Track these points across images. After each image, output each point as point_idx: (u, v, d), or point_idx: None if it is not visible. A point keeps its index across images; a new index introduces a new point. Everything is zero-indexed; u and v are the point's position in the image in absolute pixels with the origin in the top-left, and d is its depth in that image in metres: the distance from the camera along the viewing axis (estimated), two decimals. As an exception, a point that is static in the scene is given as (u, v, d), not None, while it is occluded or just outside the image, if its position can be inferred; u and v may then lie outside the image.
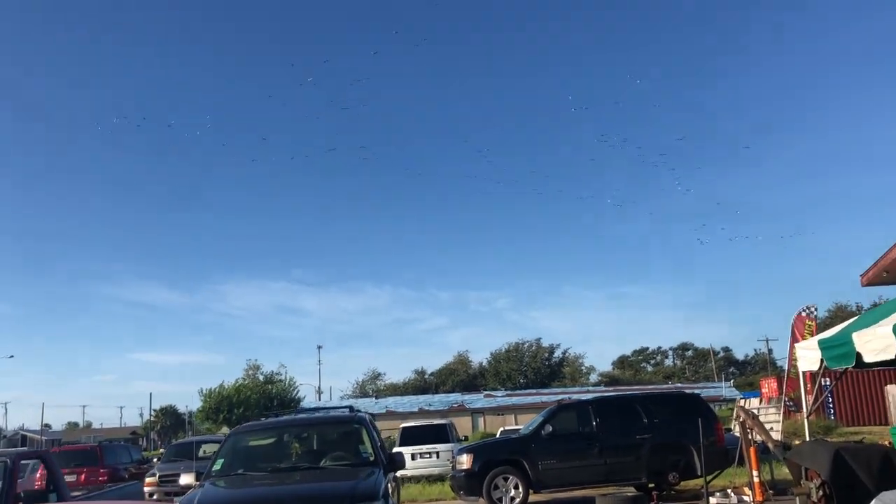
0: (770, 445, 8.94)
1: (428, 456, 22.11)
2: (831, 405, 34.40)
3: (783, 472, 15.68)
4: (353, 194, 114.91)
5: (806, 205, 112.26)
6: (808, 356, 8.91)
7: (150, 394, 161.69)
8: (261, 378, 62.27)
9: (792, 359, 24.26)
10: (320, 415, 10.28)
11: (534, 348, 79.44)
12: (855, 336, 7.78)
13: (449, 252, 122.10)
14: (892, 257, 16.20)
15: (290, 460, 8.28)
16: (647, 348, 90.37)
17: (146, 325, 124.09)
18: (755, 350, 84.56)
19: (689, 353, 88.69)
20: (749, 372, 78.06)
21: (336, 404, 37.01)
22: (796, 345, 9.18)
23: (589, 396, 21.17)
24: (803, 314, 23.97)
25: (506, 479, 14.75)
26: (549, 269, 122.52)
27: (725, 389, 58.33)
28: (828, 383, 35.36)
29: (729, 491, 14.76)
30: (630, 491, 15.15)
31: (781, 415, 24.36)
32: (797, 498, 7.20)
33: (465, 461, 15.15)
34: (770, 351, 76.03)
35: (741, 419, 9.52)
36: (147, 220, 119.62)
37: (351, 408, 9.37)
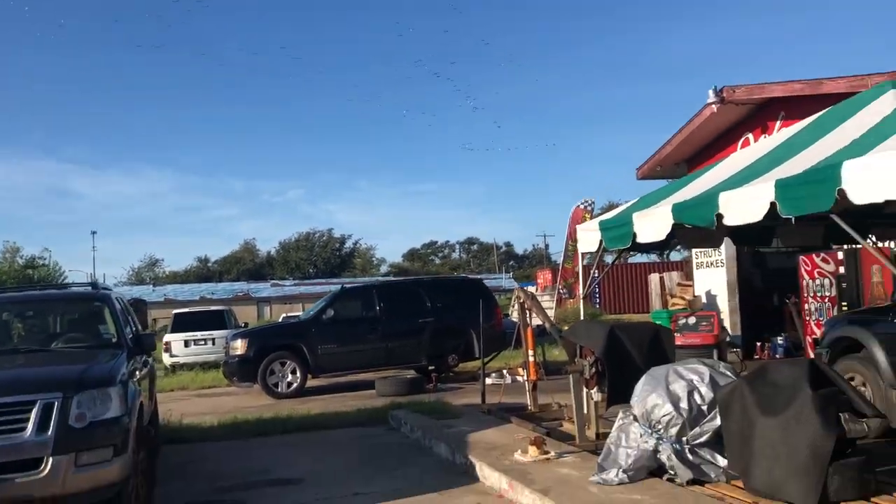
0: (547, 325, 8.90)
1: (203, 343, 20.96)
2: (598, 295, 37.10)
3: (555, 354, 16.40)
4: (126, 70, 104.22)
5: (593, 110, 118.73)
6: (588, 237, 8.86)
7: None
8: (20, 262, 56.40)
9: (567, 249, 25.40)
10: (53, 291, 8.88)
11: (325, 238, 78.76)
12: (635, 216, 7.72)
13: (241, 140, 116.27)
14: (665, 153, 16.98)
15: (12, 342, 6.98)
16: (436, 242, 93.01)
17: None
18: (534, 245, 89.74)
19: (475, 247, 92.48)
20: (527, 265, 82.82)
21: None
22: (578, 226, 9.10)
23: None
24: (581, 207, 25.01)
25: (283, 365, 14.11)
26: (346, 165, 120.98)
27: (505, 280, 61.39)
28: (597, 274, 38.08)
29: (504, 372, 15.18)
30: (410, 374, 15.13)
31: (555, 302, 25.64)
32: (570, 376, 7.11)
33: (240, 346, 14.29)
34: (547, 246, 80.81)
35: (521, 300, 9.41)
36: None
37: (94, 283, 8.09)
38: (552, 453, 6.79)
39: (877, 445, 5.22)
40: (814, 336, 12.15)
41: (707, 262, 16.77)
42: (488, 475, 6.61)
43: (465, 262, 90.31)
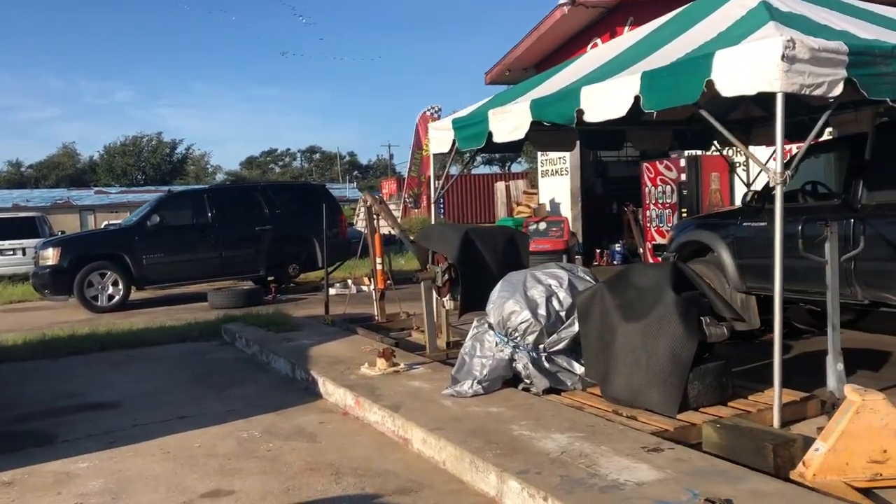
0: (396, 231, 8.35)
1: (11, 253, 18.81)
2: (442, 204, 37.08)
3: (400, 264, 16.00)
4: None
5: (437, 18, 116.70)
6: (440, 137, 8.27)
7: None
8: None
9: (414, 157, 24.86)
10: None
11: (154, 143, 73.56)
12: (491, 114, 7.20)
13: (59, 34, 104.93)
14: (514, 56, 16.57)
15: None
16: (276, 150, 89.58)
17: None
18: (378, 156, 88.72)
19: (317, 156, 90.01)
20: (371, 176, 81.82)
21: None
22: (430, 124, 8.49)
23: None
24: (427, 113, 24.41)
25: (102, 276, 12.76)
26: (179, 66, 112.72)
27: (349, 190, 60.28)
28: (437, 185, 37.98)
29: (349, 282, 14.60)
30: (247, 284, 14.23)
31: (401, 211, 25.23)
32: (421, 283, 6.61)
33: (51, 256, 12.75)
34: (391, 156, 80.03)
35: (368, 204, 8.76)
36: None
37: None
38: (401, 365, 6.32)
39: (719, 348, 5.11)
40: (654, 242, 12.41)
41: (552, 171, 16.79)
42: (332, 391, 6.06)
43: (308, 171, 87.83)
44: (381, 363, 6.26)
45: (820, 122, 4.79)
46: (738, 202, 12.17)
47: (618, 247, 16.71)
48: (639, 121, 9.39)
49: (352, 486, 4.16)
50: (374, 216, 8.76)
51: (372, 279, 8.97)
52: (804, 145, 4.72)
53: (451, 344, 7.26)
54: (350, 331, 8.43)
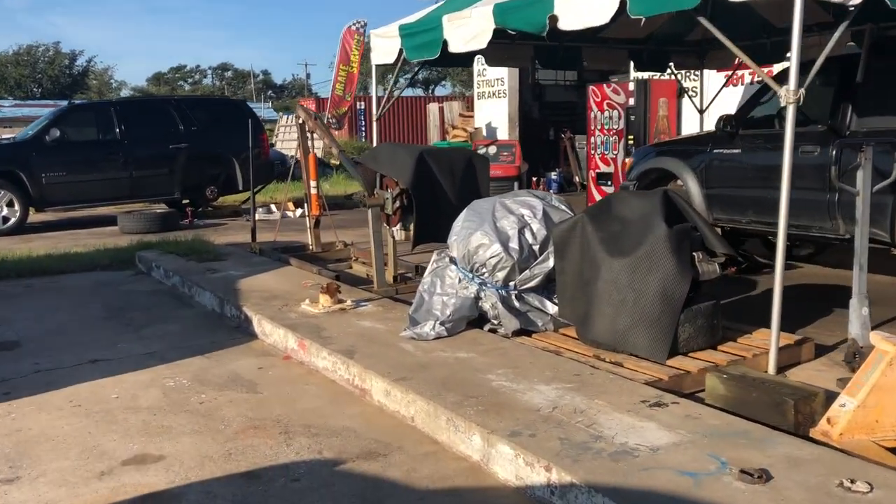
0: (335, 150, 7.53)
1: None
2: (363, 127, 35.74)
3: (325, 188, 15.09)
4: None
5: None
6: (385, 46, 7.43)
7: None
8: None
9: (339, 74, 23.62)
10: None
11: (51, 53, 68.43)
12: (446, 19, 6.42)
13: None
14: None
15: None
16: (185, 66, 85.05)
17: None
18: (293, 75, 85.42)
19: (229, 73, 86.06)
20: (286, 96, 78.87)
21: None
22: (373, 32, 7.61)
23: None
24: (353, 28, 23.08)
25: (-4, 196, 11.45)
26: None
27: (265, 110, 57.84)
28: (362, 107, 36.55)
29: (272, 207, 13.69)
30: (160, 208, 13.10)
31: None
32: (369, 210, 5.90)
33: (-67, 173, 11.33)
34: (308, 76, 77.26)
35: (301, 120, 7.89)
36: None
37: None
38: (348, 302, 5.66)
39: (706, 286, 4.66)
40: (598, 171, 11.96)
41: (489, 93, 16.05)
42: (270, 332, 5.35)
43: (219, 89, 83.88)
44: (324, 299, 5.58)
45: (837, 33, 4.24)
46: (685, 130, 11.83)
47: (554, 175, 16.26)
48: (595, 38, 8.80)
49: (306, 448, 3.53)
50: (308, 134, 7.90)
51: (306, 205, 8.16)
52: (819, 60, 4.18)
53: (399, 278, 6.62)
54: (282, 261, 7.65)
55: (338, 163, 16.55)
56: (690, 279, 4.30)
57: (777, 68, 10.69)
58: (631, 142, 11.33)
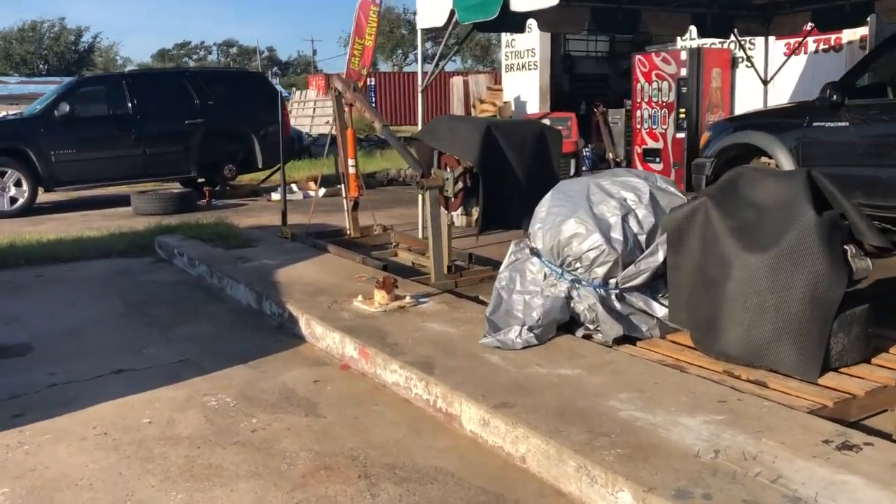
0: (378, 126, 6.74)
1: None
2: (373, 104, 34.90)
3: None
4: None
5: None
6: (432, 6, 6.61)
7: None
8: None
9: (355, 48, 22.75)
10: None
11: (56, 30, 67.37)
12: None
13: None
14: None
15: None
16: (190, 42, 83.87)
17: None
18: (298, 52, 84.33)
19: (234, 50, 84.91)
20: (291, 73, 77.78)
21: None
22: (418, -9, 6.80)
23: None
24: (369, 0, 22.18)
25: (2, 175, 10.70)
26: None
27: (273, 86, 56.82)
28: (373, 83, 35.66)
29: (293, 186, 12.90)
30: (176, 187, 12.36)
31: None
32: (427, 193, 5.12)
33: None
34: (315, 52, 76.07)
35: (336, 92, 7.09)
36: None
37: None
38: (407, 298, 4.90)
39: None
40: (645, 146, 11.13)
41: (518, 65, 15.16)
42: (322, 335, 4.60)
43: (225, 66, 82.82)
44: (380, 296, 4.82)
45: None
46: (739, 103, 10.98)
47: (587, 151, 15.41)
48: (651, 1, 7.97)
49: (396, 500, 2.79)
50: (346, 107, 7.11)
51: (343, 185, 7.37)
52: None
53: (453, 268, 5.85)
54: (319, 248, 6.90)
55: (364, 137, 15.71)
56: (846, 279, 3.53)
57: (847, 35, 9.90)
58: (682, 115, 10.48)
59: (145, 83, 12.29)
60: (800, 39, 9.02)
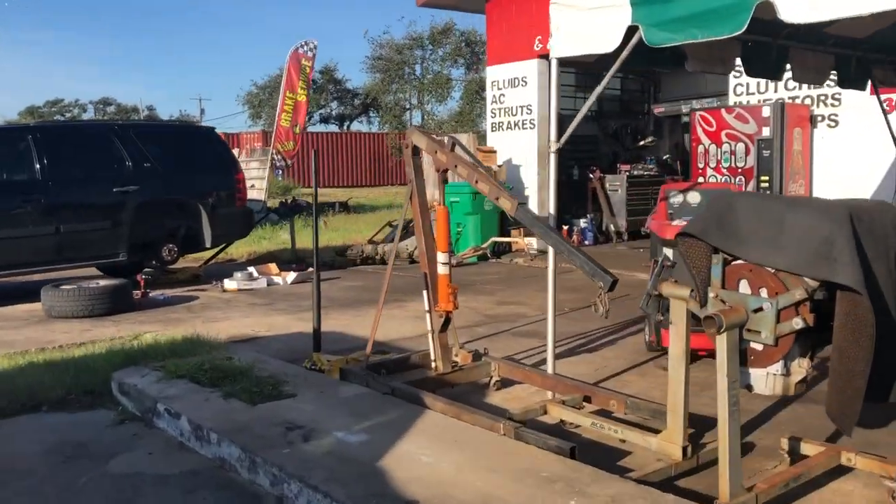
0: (505, 202, 4.29)
1: None
2: (287, 165, 31.94)
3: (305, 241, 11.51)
4: None
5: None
6: (590, 23, 4.29)
7: None
8: None
9: (285, 104, 20.19)
10: None
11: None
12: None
13: None
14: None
15: None
16: (63, 100, 78.23)
17: None
18: (181, 111, 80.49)
19: (112, 108, 79.96)
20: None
21: None
22: (552, 4, 4.44)
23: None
24: (301, 51, 19.83)
25: None
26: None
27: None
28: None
29: (252, 271, 10.10)
30: (104, 278, 9.26)
31: (268, 170, 20.72)
32: (719, 337, 2.68)
33: None
34: (202, 111, 72.23)
35: (413, 151, 4.61)
36: None
37: None
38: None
39: None
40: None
41: (510, 124, 13.04)
42: None
43: (166, 120, 77.61)
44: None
45: None
46: (819, 170, 9.19)
47: (584, 222, 13.40)
48: (803, 37, 6.00)
49: None
50: (439, 173, 4.62)
51: (427, 292, 4.79)
52: None
53: (688, 451, 3.40)
54: (405, 398, 4.28)
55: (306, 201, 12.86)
56: None
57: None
58: (765, 184, 8.55)
59: (59, 139, 9.23)
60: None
